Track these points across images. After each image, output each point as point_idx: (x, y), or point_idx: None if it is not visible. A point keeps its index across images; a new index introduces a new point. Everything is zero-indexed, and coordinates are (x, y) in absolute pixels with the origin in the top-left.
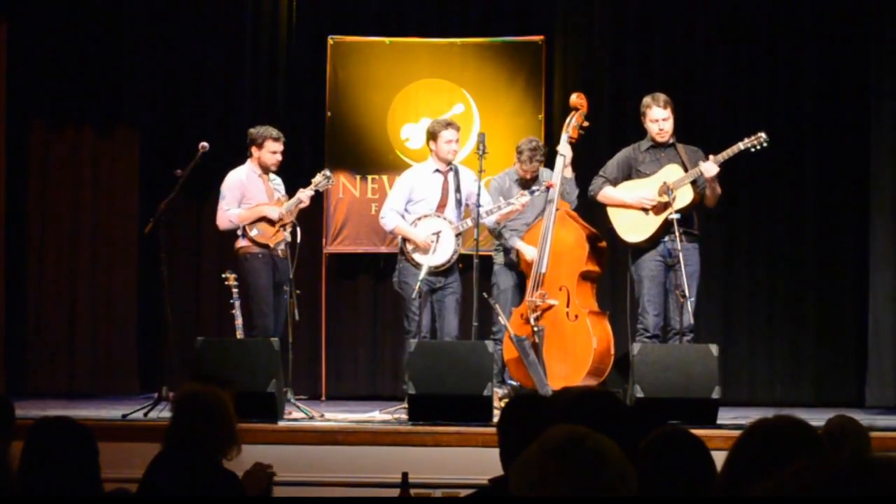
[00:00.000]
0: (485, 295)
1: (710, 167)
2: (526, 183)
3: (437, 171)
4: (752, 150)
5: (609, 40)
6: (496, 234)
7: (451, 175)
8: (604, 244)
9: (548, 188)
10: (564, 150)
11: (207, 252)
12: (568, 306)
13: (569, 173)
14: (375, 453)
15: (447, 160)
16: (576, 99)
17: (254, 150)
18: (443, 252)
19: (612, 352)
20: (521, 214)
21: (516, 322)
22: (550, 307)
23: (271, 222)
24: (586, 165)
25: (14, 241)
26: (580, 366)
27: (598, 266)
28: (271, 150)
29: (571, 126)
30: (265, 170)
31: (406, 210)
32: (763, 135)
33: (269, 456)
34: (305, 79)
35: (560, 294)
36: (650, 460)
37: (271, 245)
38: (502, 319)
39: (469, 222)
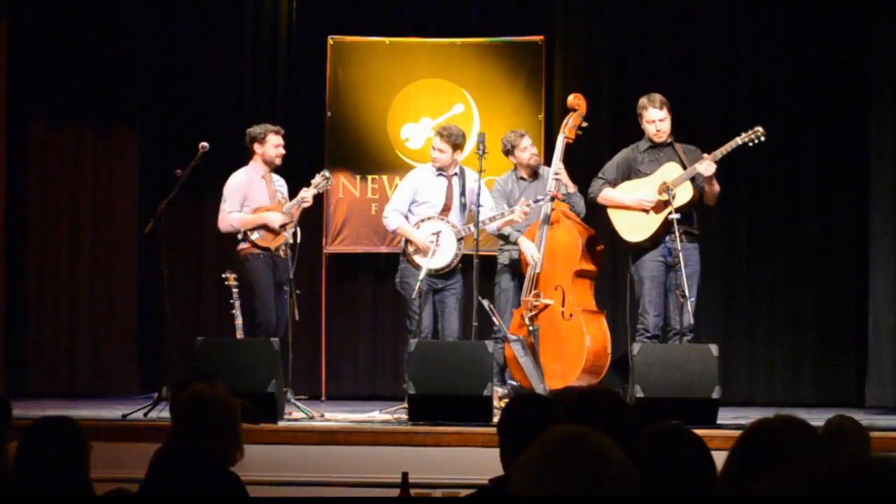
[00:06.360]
0: (478, 298)
1: (707, 166)
2: (533, 176)
3: (442, 174)
4: (750, 144)
5: (609, 40)
6: (499, 236)
7: (455, 179)
8: (600, 245)
9: (552, 198)
10: (557, 166)
11: (207, 252)
12: (563, 305)
13: (571, 188)
14: (375, 453)
15: (435, 165)
16: (573, 99)
17: (256, 146)
18: (444, 256)
19: (609, 350)
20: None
21: (516, 322)
22: (546, 307)
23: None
24: (586, 166)
25: (14, 241)
26: (574, 364)
27: (594, 264)
28: (274, 144)
29: (569, 127)
30: (270, 165)
31: (410, 211)
32: (760, 129)
33: (269, 456)
34: (305, 79)
35: (555, 293)
36: (648, 457)
37: (272, 248)
38: (496, 320)
39: (472, 228)
